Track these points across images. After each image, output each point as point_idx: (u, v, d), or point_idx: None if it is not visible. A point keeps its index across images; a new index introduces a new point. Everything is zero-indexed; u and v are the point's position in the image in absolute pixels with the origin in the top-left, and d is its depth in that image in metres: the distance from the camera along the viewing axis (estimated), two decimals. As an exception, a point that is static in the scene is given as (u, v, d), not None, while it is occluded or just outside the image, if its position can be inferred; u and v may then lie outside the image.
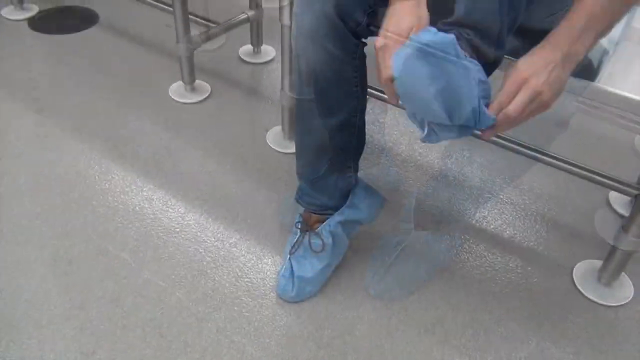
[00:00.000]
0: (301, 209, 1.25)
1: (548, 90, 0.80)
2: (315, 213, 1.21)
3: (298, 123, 1.14)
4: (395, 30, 0.88)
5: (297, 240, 1.21)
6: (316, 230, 1.19)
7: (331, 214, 1.19)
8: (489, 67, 0.87)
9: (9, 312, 1.16)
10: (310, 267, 1.19)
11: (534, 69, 0.80)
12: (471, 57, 0.83)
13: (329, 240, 1.18)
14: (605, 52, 1.12)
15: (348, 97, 1.06)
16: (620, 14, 0.82)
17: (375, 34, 1.03)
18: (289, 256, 1.21)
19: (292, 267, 1.19)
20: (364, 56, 1.05)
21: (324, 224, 1.19)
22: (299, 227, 1.22)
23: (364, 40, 1.03)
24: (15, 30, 2.13)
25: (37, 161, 1.53)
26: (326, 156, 1.13)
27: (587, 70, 1.03)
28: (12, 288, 1.21)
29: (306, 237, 1.19)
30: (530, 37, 0.89)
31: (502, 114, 0.82)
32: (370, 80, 1.53)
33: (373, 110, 1.79)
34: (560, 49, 0.80)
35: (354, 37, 0.99)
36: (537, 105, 0.81)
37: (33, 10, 2.25)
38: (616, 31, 1.17)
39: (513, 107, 0.81)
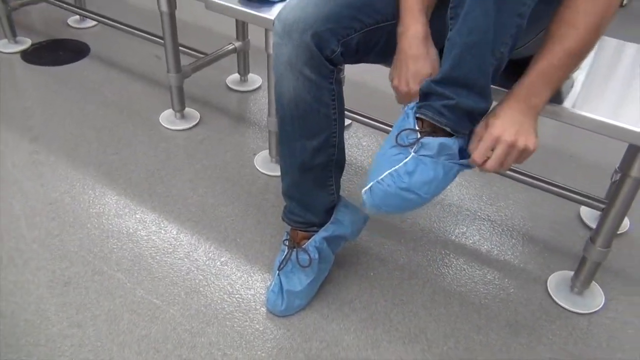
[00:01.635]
0: (288, 227, 1.31)
1: (522, 139, 0.92)
2: (301, 230, 1.27)
3: (281, 145, 1.21)
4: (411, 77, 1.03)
5: (285, 257, 1.27)
6: (303, 246, 1.25)
7: (316, 231, 1.26)
8: (477, 117, 0.96)
9: (8, 332, 1.20)
10: (298, 282, 1.25)
11: (503, 126, 0.92)
12: (454, 127, 0.94)
13: (315, 255, 1.24)
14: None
15: (326, 119, 1.14)
16: (575, 67, 0.96)
17: (347, 62, 1.12)
18: (277, 272, 1.27)
19: (281, 283, 1.25)
20: (339, 81, 1.13)
21: (310, 240, 1.25)
22: (287, 244, 1.29)
23: (339, 66, 1.11)
24: (9, 62, 2.20)
25: (32, 187, 1.58)
26: (309, 175, 1.20)
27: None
28: (10, 309, 1.25)
29: (294, 253, 1.25)
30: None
31: (482, 169, 0.95)
32: (354, 104, 1.62)
33: (356, 134, 1.88)
34: (521, 100, 0.94)
35: (329, 64, 1.08)
36: (518, 153, 0.93)
37: (26, 43, 2.32)
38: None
39: (490, 164, 0.94)
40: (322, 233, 1.26)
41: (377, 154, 1.01)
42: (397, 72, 1.06)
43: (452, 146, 0.95)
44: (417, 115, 0.97)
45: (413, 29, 1.03)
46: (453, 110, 0.93)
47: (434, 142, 0.93)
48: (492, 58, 0.91)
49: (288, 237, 1.30)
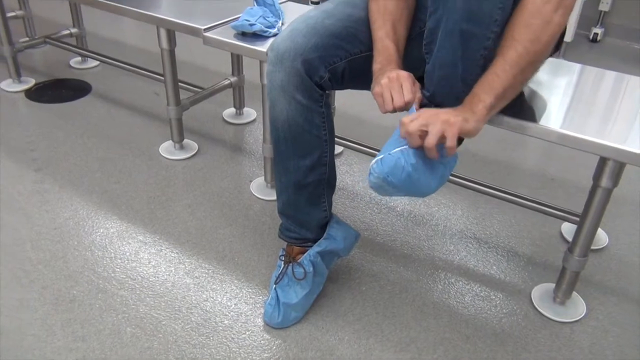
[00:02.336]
0: (284, 245, 1.38)
1: (448, 126, 0.98)
2: (297, 245, 1.34)
3: (276, 165, 1.30)
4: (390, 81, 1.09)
5: (281, 271, 1.33)
6: (298, 260, 1.32)
7: (311, 246, 1.33)
8: None
9: (15, 347, 1.25)
10: (294, 294, 1.31)
11: (440, 109, 1.02)
12: None
13: (310, 269, 1.31)
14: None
15: (317, 140, 1.24)
16: (520, 78, 1.03)
17: (334, 87, 1.23)
18: (274, 286, 1.33)
19: (277, 296, 1.31)
20: (329, 105, 1.23)
21: (305, 254, 1.32)
22: (283, 259, 1.35)
23: (327, 91, 1.21)
24: (13, 100, 2.30)
25: (37, 214, 1.65)
26: (303, 192, 1.29)
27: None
28: (16, 325, 1.30)
29: (289, 267, 1.32)
30: None
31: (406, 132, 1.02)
32: (345, 133, 1.72)
33: (347, 161, 1.97)
34: (466, 105, 1.02)
35: (319, 89, 1.18)
36: (441, 123, 0.99)
37: (30, 83, 2.43)
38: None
39: (413, 124, 1.00)
40: (316, 248, 1.33)
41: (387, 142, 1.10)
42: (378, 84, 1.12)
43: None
44: None
45: (390, 67, 1.12)
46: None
47: None
48: (463, 86, 1.04)
49: (284, 253, 1.37)
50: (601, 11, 3.16)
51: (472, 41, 1.00)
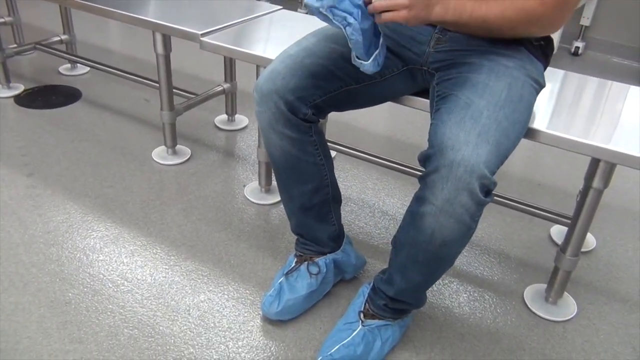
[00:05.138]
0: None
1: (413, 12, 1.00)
2: (314, 256, 1.38)
3: (281, 192, 1.35)
4: None
5: (293, 267, 1.36)
6: (315, 260, 1.36)
7: (326, 254, 1.39)
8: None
9: (11, 349, 1.23)
10: (301, 289, 1.34)
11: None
12: None
13: (324, 269, 1.36)
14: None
15: (315, 166, 1.28)
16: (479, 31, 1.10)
17: (321, 118, 1.26)
18: (281, 279, 1.35)
19: (281, 288, 1.33)
20: (319, 132, 1.26)
21: (322, 257, 1.37)
22: (296, 258, 1.39)
23: (315, 123, 1.24)
24: (3, 106, 2.28)
25: (30, 218, 1.64)
26: (310, 213, 1.34)
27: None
28: (12, 328, 1.28)
29: (304, 265, 1.36)
30: None
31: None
32: (339, 137, 1.72)
33: (340, 165, 1.99)
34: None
35: (305, 123, 1.21)
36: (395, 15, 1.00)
37: (19, 89, 2.41)
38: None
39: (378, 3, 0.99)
40: (333, 255, 1.39)
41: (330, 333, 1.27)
42: None
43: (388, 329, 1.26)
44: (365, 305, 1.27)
45: None
46: (393, 310, 1.26)
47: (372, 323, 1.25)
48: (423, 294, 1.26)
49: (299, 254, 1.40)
50: (582, 25, 3.25)
51: (444, 262, 1.13)
